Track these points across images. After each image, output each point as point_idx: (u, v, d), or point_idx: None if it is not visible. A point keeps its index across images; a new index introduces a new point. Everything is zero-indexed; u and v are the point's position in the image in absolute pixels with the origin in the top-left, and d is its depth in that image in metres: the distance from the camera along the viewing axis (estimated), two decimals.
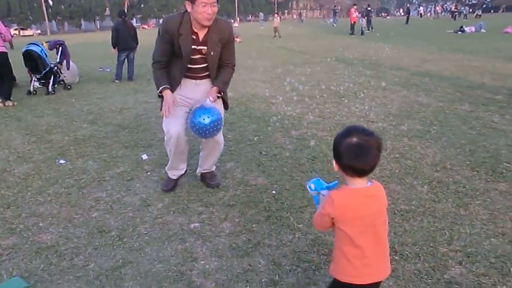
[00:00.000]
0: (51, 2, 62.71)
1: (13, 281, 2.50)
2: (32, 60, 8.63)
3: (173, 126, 3.36)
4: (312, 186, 1.89)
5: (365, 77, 9.40)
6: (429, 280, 2.38)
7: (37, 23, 67.46)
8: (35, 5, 65.26)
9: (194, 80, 3.40)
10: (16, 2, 63.69)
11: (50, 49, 9.43)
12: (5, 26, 7.80)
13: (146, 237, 2.99)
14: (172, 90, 3.33)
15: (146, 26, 67.98)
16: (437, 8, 60.39)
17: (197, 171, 3.87)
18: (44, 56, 8.75)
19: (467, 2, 69.63)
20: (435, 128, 5.29)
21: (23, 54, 8.64)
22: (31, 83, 8.84)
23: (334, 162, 1.70)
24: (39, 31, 63.85)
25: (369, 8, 28.75)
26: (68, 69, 9.55)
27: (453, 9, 47.37)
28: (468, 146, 4.56)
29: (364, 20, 26.87)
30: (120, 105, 7.35)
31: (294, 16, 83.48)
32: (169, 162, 3.66)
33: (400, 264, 2.52)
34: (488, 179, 3.71)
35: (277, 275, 2.49)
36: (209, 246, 2.83)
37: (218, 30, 3.23)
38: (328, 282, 2.32)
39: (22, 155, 4.81)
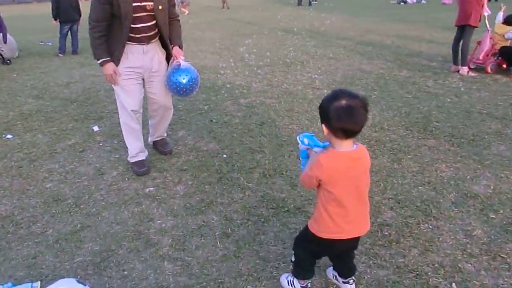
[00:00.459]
0: None
1: None
2: None
3: (128, 104, 3.33)
4: (306, 140, 1.91)
5: (312, 47, 9.65)
6: None
7: None
8: None
9: (141, 46, 3.22)
10: None
11: None
12: None
13: (103, 203, 3.09)
14: (117, 60, 3.19)
15: None
16: None
17: (149, 140, 3.92)
18: None
19: None
20: (376, 93, 5.64)
21: None
22: None
23: (323, 126, 1.74)
24: None
25: None
26: (5, 42, 9.05)
27: None
28: (404, 109, 4.94)
29: None
30: (66, 79, 7.17)
31: None
32: (131, 146, 3.54)
33: None
34: (420, 137, 4.09)
35: (229, 229, 2.70)
36: (165, 207, 2.99)
37: None
38: (276, 234, 2.58)
39: None
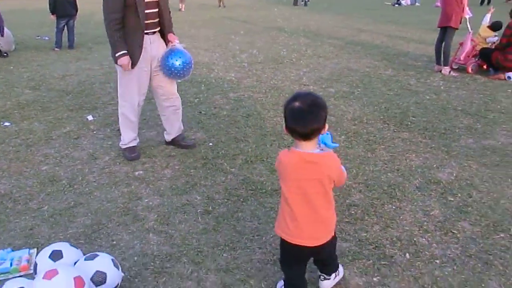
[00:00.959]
0: None
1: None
2: None
3: (134, 92, 3.49)
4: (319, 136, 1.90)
5: (303, 45, 9.91)
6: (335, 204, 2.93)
7: None
8: None
9: (148, 37, 3.38)
10: None
11: None
12: None
13: (95, 184, 3.33)
14: (139, 48, 3.34)
15: None
16: None
17: (168, 139, 3.97)
18: None
19: None
20: (359, 90, 5.91)
21: None
22: None
23: (283, 126, 1.81)
24: None
25: None
26: (2, 35, 9.23)
27: None
28: (384, 104, 5.20)
29: None
30: (62, 72, 7.38)
31: None
32: (126, 135, 3.69)
33: None
34: (395, 130, 4.36)
35: (210, 207, 2.95)
36: (152, 188, 3.24)
37: None
38: (253, 212, 2.83)
39: None
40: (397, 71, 7.12)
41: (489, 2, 19.25)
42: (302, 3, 25.58)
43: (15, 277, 2.21)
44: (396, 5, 25.25)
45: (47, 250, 2.11)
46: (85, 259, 2.07)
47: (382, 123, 4.54)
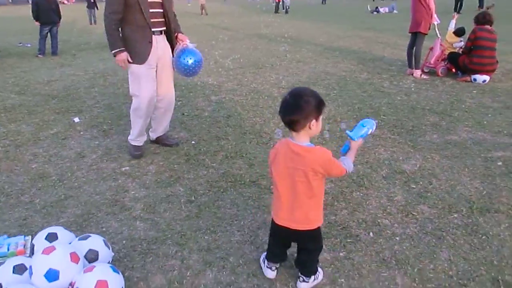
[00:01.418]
0: None
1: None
2: None
3: (146, 89, 3.60)
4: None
5: (283, 51, 10.23)
6: None
7: None
8: None
9: (155, 37, 3.53)
10: None
11: None
12: None
13: (84, 179, 3.53)
14: (147, 51, 3.49)
15: (65, 2, 63.95)
16: None
17: (152, 137, 4.13)
18: None
19: None
20: (335, 92, 6.22)
21: None
22: None
23: None
24: None
25: None
26: None
27: None
28: (357, 105, 5.52)
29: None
30: (47, 77, 7.53)
31: None
32: (135, 130, 3.81)
33: None
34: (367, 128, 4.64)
35: (193, 197, 3.18)
36: (138, 182, 3.45)
37: None
38: (232, 200, 3.07)
39: None
40: (372, 74, 7.47)
41: (460, 9, 19.99)
42: (283, 10, 26.04)
43: None
44: (375, 13, 25.93)
45: (43, 233, 2.31)
46: (78, 239, 2.28)
47: (355, 122, 4.82)
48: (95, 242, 2.28)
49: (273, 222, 2.15)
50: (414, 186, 3.31)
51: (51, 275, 1.96)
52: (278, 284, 2.26)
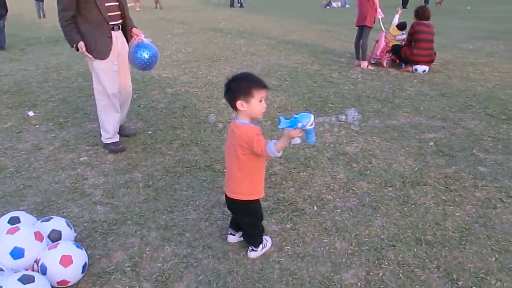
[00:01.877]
0: None
1: None
2: None
3: (112, 84, 3.70)
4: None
5: (238, 44, 10.43)
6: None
7: None
8: None
9: (114, 33, 3.61)
10: None
11: None
12: None
13: (42, 170, 3.61)
14: (108, 46, 3.55)
15: None
16: None
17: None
18: None
19: None
20: (287, 83, 6.50)
21: None
22: None
23: None
24: None
25: None
26: None
27: None
28: (307, 94, 5.83)
29: None
30: None
31: None
32: (110, 127, 3.87)
33: None
34: (315, 115, 4.91)
35: (151, 182, 3.36)
36: (97, 170, 3.58)
37: None
38: (188, 183, 3.27)
39: None
40: (322, 66, 7.83)
41: (406, 4, 20.92)
42: (238, 5, 26.18)
43: None
44: (328, 7, 26.57)
45: (6, 217, 2.42)
46: (41, 221, 2.42)
47: (304, 110, 5.12)
48: (58, 223, 2.42)
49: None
50: (355, 166, 3.63)
51: (16, 253, 2.10)
52: (231, 253, 2.49)
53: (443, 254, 2.46)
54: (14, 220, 2.40)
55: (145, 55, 3.65)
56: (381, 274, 2.31)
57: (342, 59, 8.53)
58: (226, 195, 2.41)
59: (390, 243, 2.57)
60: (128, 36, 3.80)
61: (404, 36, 7.56)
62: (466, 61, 8.12)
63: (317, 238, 2.63)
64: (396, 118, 4.84)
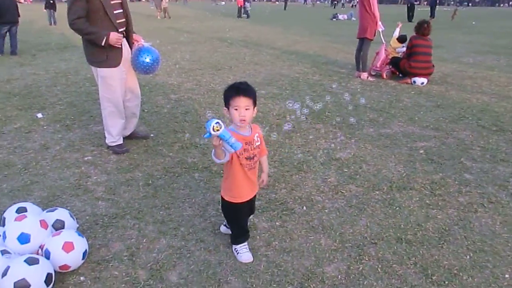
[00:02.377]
0: None
1: None
2: None
3: (119, 92, 3.86)
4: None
5: (242, 54, 10.69)
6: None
7: None
8: None
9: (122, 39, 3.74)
10: None
11: None
12: None
13: (48, 167, 3.81)
14: (120, 54, 3.71)
15: (22, 1, 61.90)
16: None
17: (124, 134, 4.26)
18: None
19: None
20: (287, 92, 6.70)
21: None
22: None
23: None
24: None
25: None
26: None
27: None
28: (307, 103, 6.01)
29: (248, 4, 28.32)
30: (7, 76, 7.62)
31: None
32: (115, 131, 4.02)
33: None
34: (312, 122, 5.15)
35: (150, 180, 3.54)
36: (100, 168, 3.77)
37: None
38: (186, 183, 3.45)
39: None
40: (323, 76, 8.04)
41: (412, 18, 21.16)
42: (245, 15, 26.56)
43: None
44: (334, 19, 26.90)
45: (14, 207, 2.61)
46: (46, 212, 2.60)
47: (302, 118, 5.33)
48: (62, 213, 2.60)
49: None
50: (346, 170, 3.80)
51: (23, 239, 2.28)
52: (222, 247, 2.66)
53: (421, 252, 2.61)
54: (21, 210, 2.58)
55: (147, 59, 3.82)
56: (361, 268, 2.46)
57: (343, 70, 8.74)
58: None
59: (372, 241, 2.72)
60: (130, 42, 3.95)
61: (404, 49, 7.75)
62: (465, 75, 8.29)
63: (303, 235, 2.79)
64: (390, 127, 5.00)
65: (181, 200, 3.23)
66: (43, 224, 2.38)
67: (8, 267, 2.05)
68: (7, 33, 10.19)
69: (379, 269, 2.46)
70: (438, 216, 3.03)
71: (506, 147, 4.35)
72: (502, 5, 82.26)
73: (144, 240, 2.71)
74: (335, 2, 49.69)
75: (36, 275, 2.06)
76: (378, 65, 8.09)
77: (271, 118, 5.27)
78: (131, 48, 3.97)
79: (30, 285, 2.03)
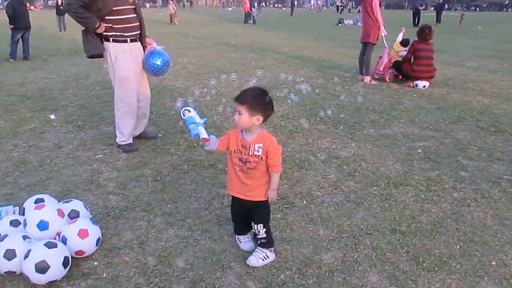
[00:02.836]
0: None
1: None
2: None
3: (134, 92, 4.08)
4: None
5: (249, 59, 10.89)
6: None
7: None
8: None
9: (136, 44, 4.01)
10: None
11: None
12: None
13: (62, 165, 4.01)
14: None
15: (32, 7, 62.97)
16: (319, 2, 63.34)
17: (134, 134, 4.40)
18: None
19: None
20: (291, 95, 6.87)
21: None
22: None
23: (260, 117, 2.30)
24: None
25: None
26: None
27: (338, 3, 51.66)
28: (309, 105, 6.18)
29: (254, 10, 28.61)
30: (20, 80, 7.88)
31: (184, 5, 79.93)
32: (126, 131, 4.20)
33: None
34: (314, 123, 5.31)
35: (158, 177, 3.73)
36: (111, 166, 3.97)
37: None
38: (192, 179, 3.63)
39: None
40: (327, 80, 8.21)
41: (418, 23, 21.27)
42: (251, 21, 26.82)
43: None
44: (340, 25, 27.09)
45: (32, 198, 2.81)
46: (62, 203, 2.79)
47: (305, 119, 5.49)
48: (77, 204, 2.79)
49: None
50: (346, 168, 3.96)
51: (42, 225, 2.47)
52: (226, 237, 2.83)
53: (414, 242, 2.76)
54: (39, 201, 2.77)
55: (158, 61, 4.04)
56: (356, 256, 2.62)
57: (347, 74, 8.91)
58: None
59: (368, 232, 2.88)
60: (143, 45, 4.18)
61: (405, 52, 7.90)
62: (468, 78, 8.42)
63: (303, 226, 2.95)
64: (390, 128, 5.16)
65: (187, 194, 3.41)
66: (60, 213, 2.57)
67: (30, 250, 2.24)
68: (19, 39, 10.49)
69: (373, 257, 2.61)
70: (432, 210, 3.18)
71: (503, 147, 4.48)
72: (510, 9, 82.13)
73: (153, 230, 2.89)
74: (342, 7, 49.88)
75: (55, 258, 2.25)
76: (381, 69, 8.24)
77: (275, 119, 5.44)
78: (144, 51, 4.18)
79: (49, 267, 2.21)
